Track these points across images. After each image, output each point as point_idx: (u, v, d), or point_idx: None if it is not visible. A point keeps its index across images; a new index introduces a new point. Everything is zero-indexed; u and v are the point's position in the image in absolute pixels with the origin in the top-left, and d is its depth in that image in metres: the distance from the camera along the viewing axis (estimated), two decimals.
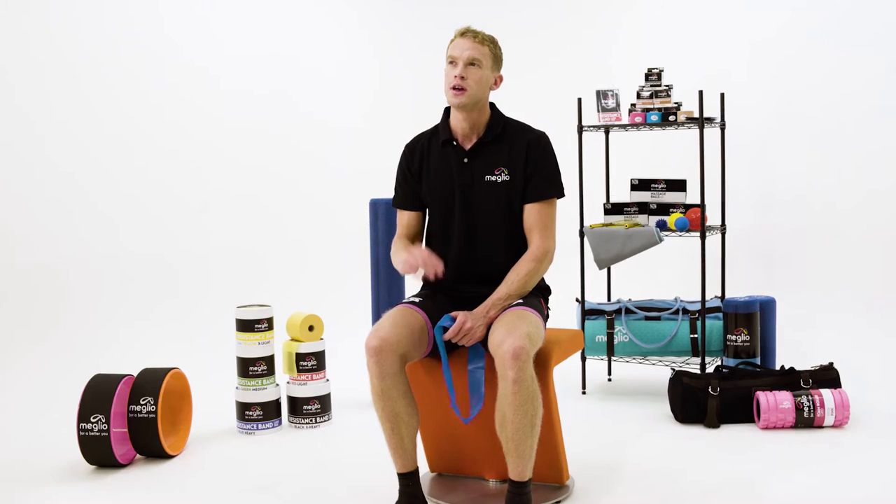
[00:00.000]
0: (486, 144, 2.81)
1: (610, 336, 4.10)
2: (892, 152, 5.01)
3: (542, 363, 2.74)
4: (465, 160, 2.81)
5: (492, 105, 2.86)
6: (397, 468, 2.72)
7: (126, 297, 5.22)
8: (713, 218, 4.73)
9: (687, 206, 4.05)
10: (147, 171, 5.39)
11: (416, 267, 2.64)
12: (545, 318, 2.82)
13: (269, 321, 3.77)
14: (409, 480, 2.71)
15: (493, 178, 2.79)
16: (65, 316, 5.01)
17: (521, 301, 2.72)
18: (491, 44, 2.77)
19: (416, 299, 2.80)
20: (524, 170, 2.78)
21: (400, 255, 2.76)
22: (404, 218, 2.92)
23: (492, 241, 2.81)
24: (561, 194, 2.82)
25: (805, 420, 3.48)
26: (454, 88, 2.72)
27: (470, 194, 2.80)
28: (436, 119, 2.93)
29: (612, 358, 4.17)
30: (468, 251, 2.83)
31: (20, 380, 4.52)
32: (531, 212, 2.78)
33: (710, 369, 3.97)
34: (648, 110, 4.06)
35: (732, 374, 3.70)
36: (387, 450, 2.73)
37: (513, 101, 5.71)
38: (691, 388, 3.65)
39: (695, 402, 3.64)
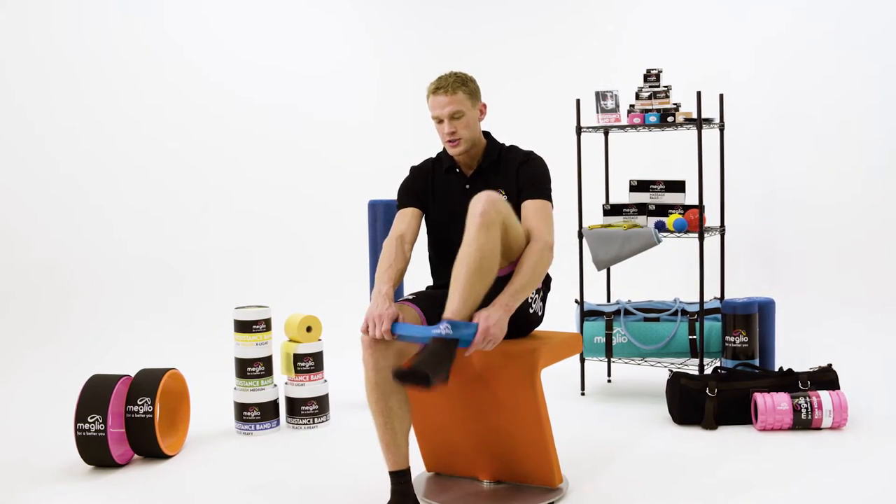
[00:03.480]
0: (484, 170, 2.96)
1: (608, 337, 4.10)
2: (893, 153, 5.00)
3: (530, 365, 2.74)
4: (468, 186, 2.95)
5: (486, 133, 3.01)
6: (389, 466, 2.73)
7: (125, 298, 5.23)
8: (712, 219, 4.72)
9: (686, 208, 4.04)
10: (147, 171, 5.40)
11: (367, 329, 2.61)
12: (536, 311, 2.85)
13: (268, 322, 3.77)
14: (400, 479, 2.72)
15: None
16: (65, 316, 5.03)
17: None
18: (462, 85, 2.87)
19: (411, 297, 2.87)
20: (517, 182, 2.90)
21: (375, 289, 2.71)
22: (405, 216, 2.95)
23: None
24: (551, 201, 2.87)
25: (803, 422, 3.48)
26: (449, 142, 2.89)
27: None
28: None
29: (611, 359, 4.16)
30: None
31: (21, 380, 4.53)
32: (529, 208, 2.84)
33: (708, 370, 3.96)
34: (647, 111, 4.05)
35: (730, 375, 3.70)
36: (379, 448, 2.73)
37: (513, 103, 5.73)
38: (689, 389, 3.64)
39: (692, 404, 3.63)
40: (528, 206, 2.84)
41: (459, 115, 2.86)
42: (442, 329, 2.48)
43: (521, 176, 2.89)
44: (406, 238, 2.90)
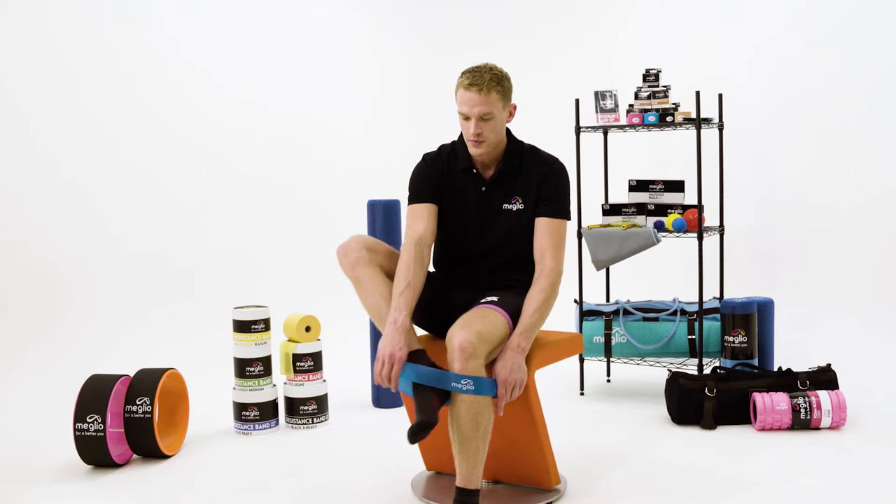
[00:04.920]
0: (504, 175, 2.82)
1: (608, 337, 4.09)
2: (892, 154, 5.00)
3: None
4: (483, 189, 2.83)
5: (506, 131, 2.86)
6: (380, 326, 2.68)
7: (125, 298, 5.24)
8: (711, 219, 4.72)
9: (685, 207, 4.04)
10: (147, 172, 5.40)
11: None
12: None
13: (266, 322, 3.77)
14: (417, 355, 2.62)
15: (510, 206, 2.82)
16: (64, 317, 5.03)
17: (494, 300, 2.72)
18: (497, 85, 2.70)
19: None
20: (537, 195, 2.79)
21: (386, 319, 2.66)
22: (423, 214, 2.79)
23: (503, 254, 2.86)
24: (568, 217, 2.83)
25: (802, 421, 3.48)
26: (473, 142, 2.73)
27: (487, 221, 2.84)
28: (435, 120, 2.94)
29: (611, 359, 4.16)
30: (477, 260, 2.88)
31: (20, 380, 4.53)
32: (545, 228, 2.77)
33: (707, 370, 3.96)
34: (646, 111, 4.05)
35: (729, 375, 3.70)
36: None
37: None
38: (688, 389, 3.64)
39: (691, 404, 3.63)
40: (543, 225, 2.77)
41: (489, 116, 2.70)
42: (462, 385, 2.50)
43: (542, 190, 2.78)
44: (426, 241, 2.76)
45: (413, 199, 2.84)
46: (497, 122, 2.73)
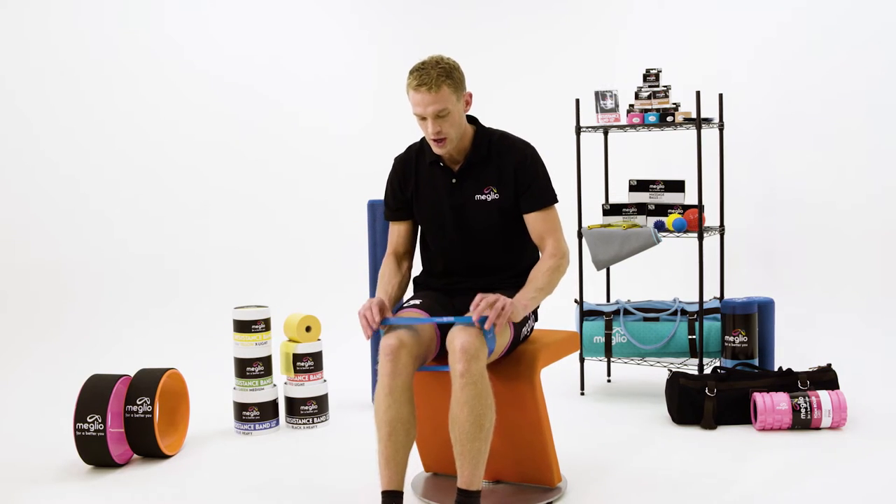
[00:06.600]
0: (473, 164, 2.79)
1: (608, 337, 4.09)
2: (892, 154, 5.00)
3: (529, 364, 2.75)
4: (454, 181, 2.81)
5: (473, 119, 2.83)
6: (383, 484, 2.58)
7: (125, 298, 5.24)
8: (712, 219, 4.72)
9: (685, 207, 4.04)
10: (147, 172, 5.40)
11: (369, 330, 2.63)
12: (524, 320, 2.77)
13: (267, 322, 3.77)
14: (393, 501, 2.58)
15: (484, 196, 2.78)
16: (64, 316, 5.03)
17: None
18: (446, 78, 2.62)
19: (418, 301, 2.80)
20: (515, 187, 2.77)
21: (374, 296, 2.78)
22: (394, 232, 2.93)
23: (486, 249, 2.84)
24: (556, 200, 2.82)
25: (802, 421, 3.48)
26: (435, 141, 2.70)
27: (461, 213, 2.81)
28: None
29: (611, 359, 4.16)
30: (462, 257, 2.86)
31: (20, 380, 4.54)
32: (536, 220, 2.77)
33: (708, 370, 3.96)
34: (646, 111, 4.05)
35: (729, 375, 3.70)
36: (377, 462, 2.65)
37: (511, 103, 5.73)
38: (688, 389, 3.64)
39: (692, 404, 3.63)
40: (538, 218, 2.76)
41: (444, 113, 2.63)
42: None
43: (520, 182, 2.75)
44: (400, 254, 2.91)
45: (386, 215, 2.94)
46: (454, 116, 2.66)
